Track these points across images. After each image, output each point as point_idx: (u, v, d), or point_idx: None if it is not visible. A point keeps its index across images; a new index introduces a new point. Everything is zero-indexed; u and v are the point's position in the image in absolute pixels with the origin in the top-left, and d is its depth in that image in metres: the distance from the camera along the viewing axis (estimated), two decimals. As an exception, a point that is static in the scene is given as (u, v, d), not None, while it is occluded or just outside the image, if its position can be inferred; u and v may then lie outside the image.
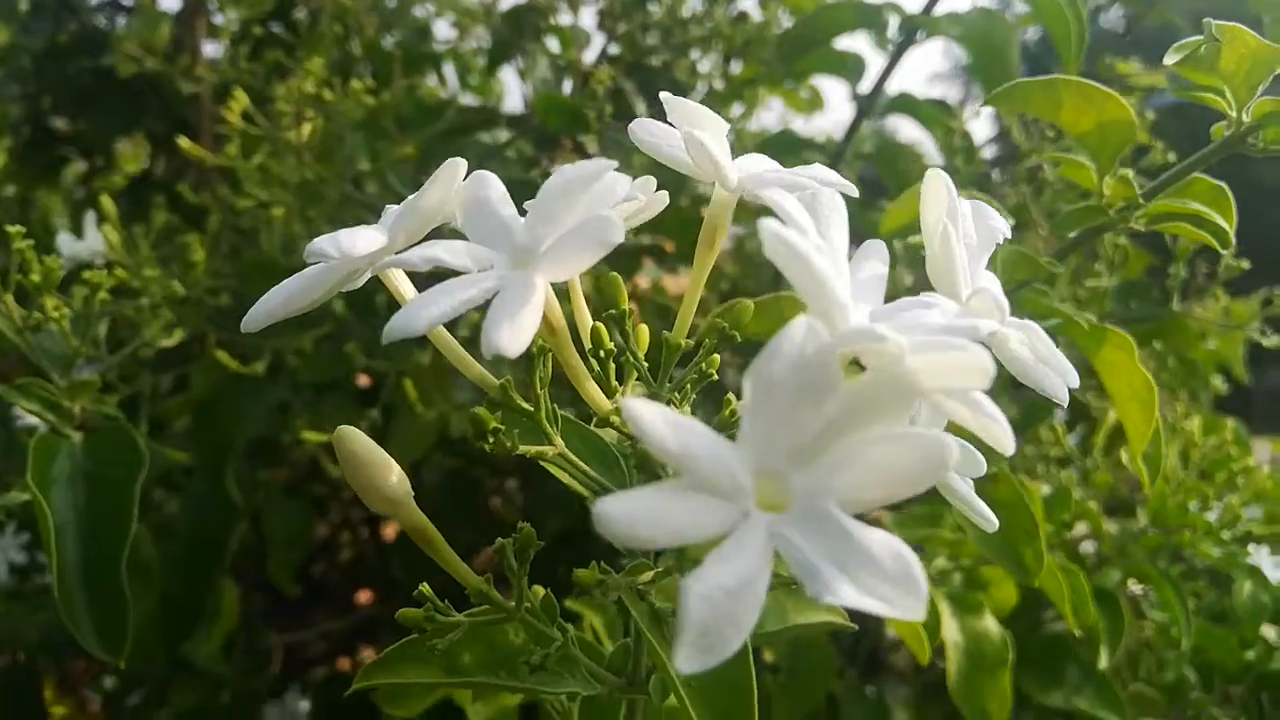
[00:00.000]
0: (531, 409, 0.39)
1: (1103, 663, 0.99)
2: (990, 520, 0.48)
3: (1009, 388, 1.10)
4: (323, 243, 0.36)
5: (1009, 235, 0.43)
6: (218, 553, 1.03)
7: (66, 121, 1.47)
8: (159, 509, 1.07)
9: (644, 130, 0.42)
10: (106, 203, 0.91)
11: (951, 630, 0.96)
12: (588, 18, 1.30)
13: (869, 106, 1.17)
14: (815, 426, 0.30)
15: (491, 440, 0.38)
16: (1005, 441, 0.32)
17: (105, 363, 0.78)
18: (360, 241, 0.36)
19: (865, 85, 1.20)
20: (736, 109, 1.65)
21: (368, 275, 0.40)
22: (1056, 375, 0.39)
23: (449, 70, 1.49)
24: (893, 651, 1.24)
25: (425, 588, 0.43)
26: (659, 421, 0.28)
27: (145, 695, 1.25)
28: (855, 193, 0.43)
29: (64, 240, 1.04)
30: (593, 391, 0.40)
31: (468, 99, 1.58)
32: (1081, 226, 0.64)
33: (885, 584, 0.28)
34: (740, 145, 1.59)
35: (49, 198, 1.51)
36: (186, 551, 1.04)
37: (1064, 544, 1.02)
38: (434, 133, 1.17)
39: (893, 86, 1.18)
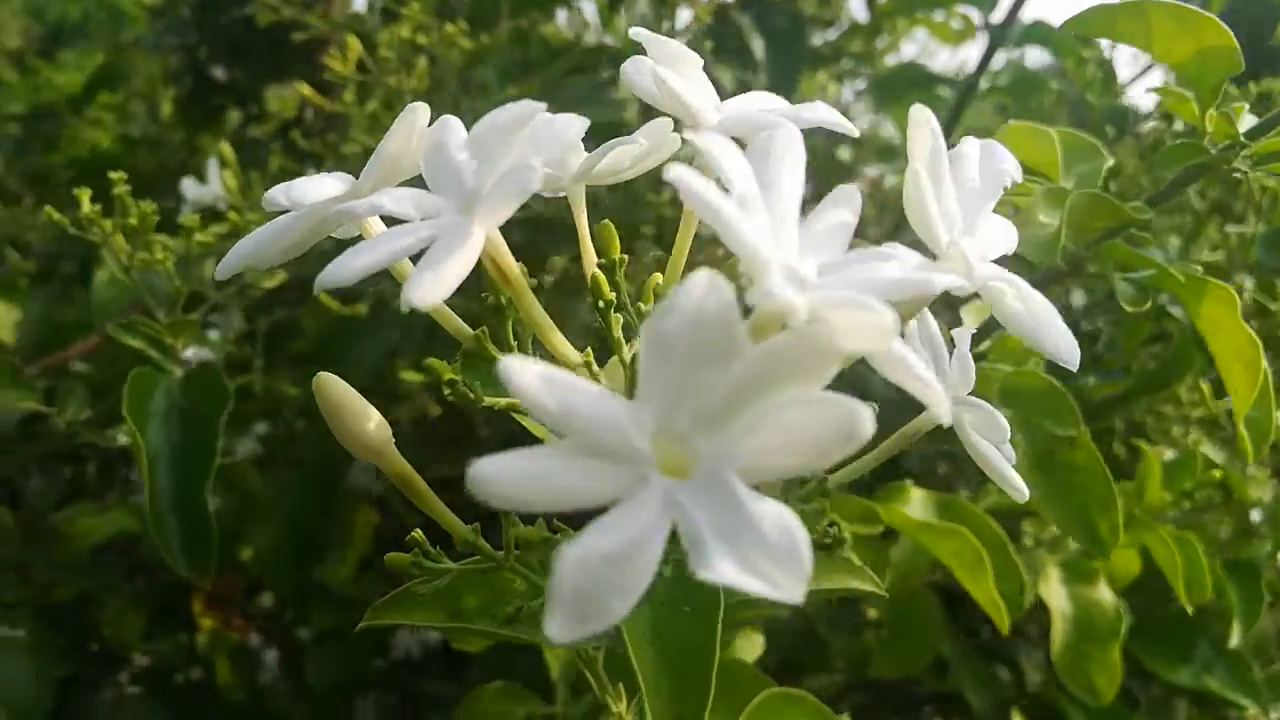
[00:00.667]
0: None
1: (1234, 640, 0.91)
2: (1020, 490, 0.44)
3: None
4: (275, 191, 0.36)
5: (1019, 179, 0.39)
6: (334, 486, 1.08)
7: (223, 70, 1.55)
8: (284, 443, 1.13)
9: (634, 69, 0.40)
10: (225, 149, 0.95)
11: (1059, 598, 0.91)
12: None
13: (1001, 36, 1.09)
14: (722, 388, 0.28)
15: (449, 391, 0.37)
16: (939, 407, 0.29)
17: (210, 300, 0.82)
18: (313, 189, 0.36)
19: (998, 14, 1.11)
20: (881, 42, 1.57)
21: (345, 223, 0.39)
22: (1061, 336, 0.35)
23: (590, 9, 1.48)
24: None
25: (418, 533, 0.44)
26: (534, 380, 0.27)
27: (290, 614, 1.34)
28: (855, 133, 0.40)
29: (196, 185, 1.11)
30: (557, 343, 0.38)
31: (608, 39, 1.57)
32: (1180, 164, 0.57)
33: (768, 561, 0.26)
34: (875, 78, 1.51)
35: (211, 144, 1.61)
36: (308, 483, 1.10)
37: (1194, 511, 0.93)
38: (553, 73, 1.17)
39: (1028, 14, 1.09)
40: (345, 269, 0.32)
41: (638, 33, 0.39)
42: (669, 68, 0.38)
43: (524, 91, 1.03)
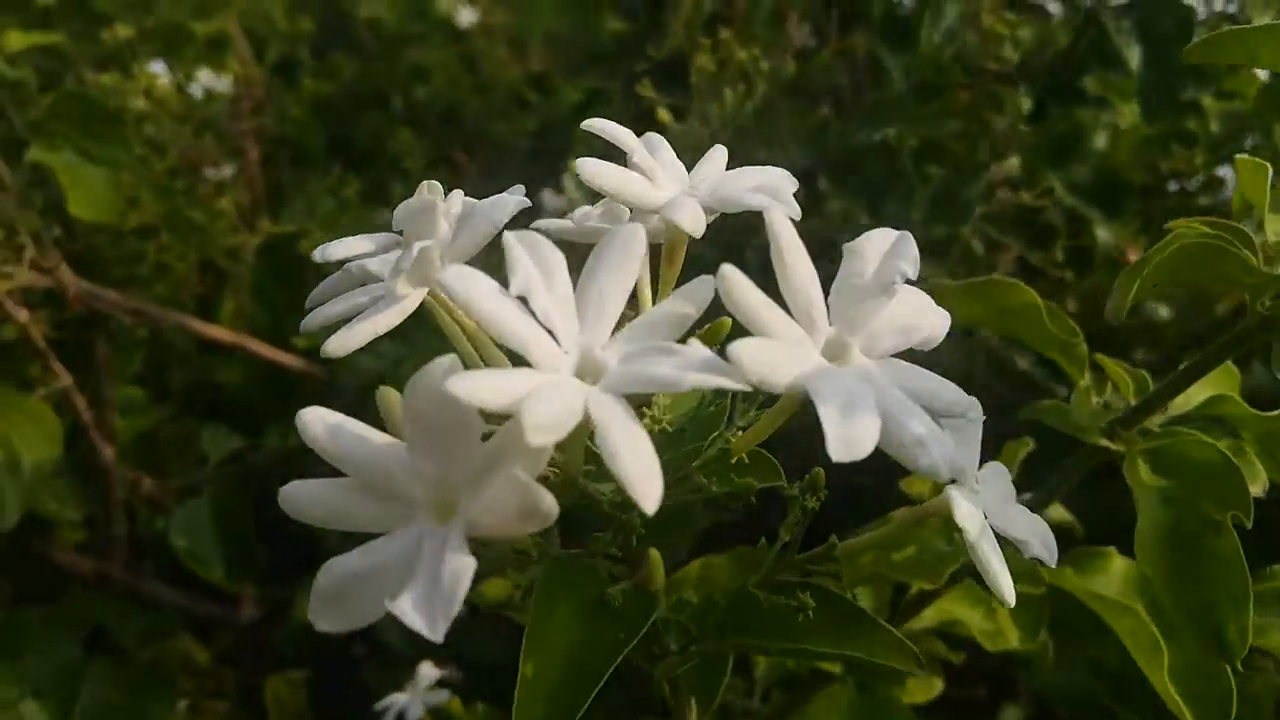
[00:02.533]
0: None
1: None
2: (1007, 599, 0.41)
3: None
4: (316, 251, 0.45)
5: (913, 277, 0.36)
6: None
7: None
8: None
9: (580, 166, 0.42)
10: (574, 165, 1.09)
11: None
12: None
13: None
14: (472, 452, 0.33)
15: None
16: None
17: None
18: (336, 249, 0.45)
19: None
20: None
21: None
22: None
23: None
24: None
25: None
26: (321, 429, 0.33)
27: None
28: (797, 210, 0.40)
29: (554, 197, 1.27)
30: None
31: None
32: None
33: (436, 604, 0.30)
34: None
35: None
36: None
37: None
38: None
39: None
40: (315, 318, 0.41)
41: (591, 124, 0.43)
42: (632, 156, 0.41)
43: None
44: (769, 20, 1.12)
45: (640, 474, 0.30)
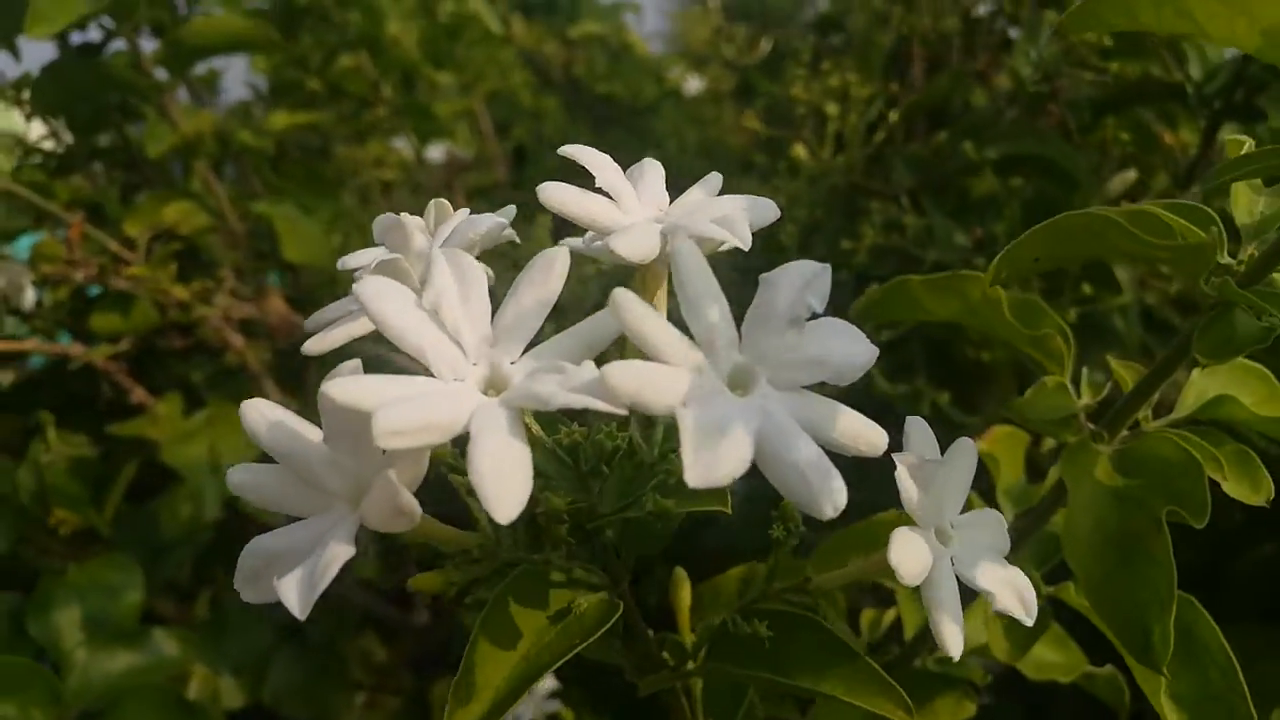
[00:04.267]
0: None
1: None
2: (950, 650, 0.39)
3: None
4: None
5: (819, 312, 0.35)
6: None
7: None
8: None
9: (543, 191, 0.42)
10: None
11: None
12: None
13: None
14: (377, 451, 0.35)
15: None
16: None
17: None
18: (352, 260, 0.48)
19: None
20: None
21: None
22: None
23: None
24: None
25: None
26: (263, 423, 0.37)
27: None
28: (742, 244, 0.40)
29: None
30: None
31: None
32: None
33: (305, 580, 0.32)
34: None
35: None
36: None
37: None
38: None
39: None
40: (313, 324, 0.45)
41: (567, 150, 0.44)
42: (599, 175, 0.42)
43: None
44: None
45: (494, 485, 0.31)
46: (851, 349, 0.36)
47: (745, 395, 0.35)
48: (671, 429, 0.41)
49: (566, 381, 0.33)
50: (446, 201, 0.47)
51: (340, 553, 0.33)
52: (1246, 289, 0.42)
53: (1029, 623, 0.41)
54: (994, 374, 0.90)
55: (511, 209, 0.45)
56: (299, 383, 1.36)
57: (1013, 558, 0.44)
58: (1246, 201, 0.46)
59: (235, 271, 1.14)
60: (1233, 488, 0.49)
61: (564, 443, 0.39)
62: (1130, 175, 0.87)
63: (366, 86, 1.61)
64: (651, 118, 2.06)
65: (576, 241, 0.49)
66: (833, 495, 0.32)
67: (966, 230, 0.86)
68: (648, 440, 0.42)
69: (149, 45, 1.07)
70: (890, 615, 0.67)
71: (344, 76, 1.53)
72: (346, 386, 0.32)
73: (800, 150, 1.01)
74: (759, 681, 0.49)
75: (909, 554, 0.38)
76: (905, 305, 0.55)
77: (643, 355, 0.34)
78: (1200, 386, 0.53)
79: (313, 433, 0.37)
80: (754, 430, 0.32)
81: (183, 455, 1.03)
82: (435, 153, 1.89)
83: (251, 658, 1.22)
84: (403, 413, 0.31)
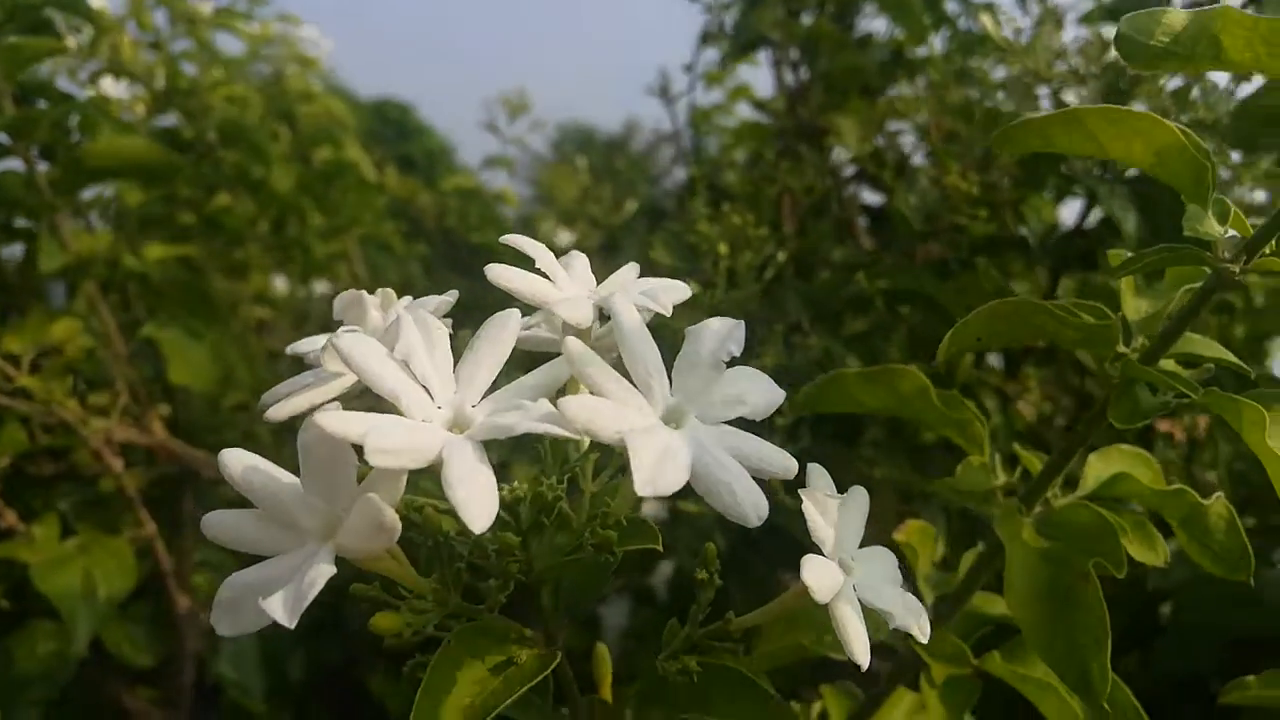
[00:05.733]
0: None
1: None
2: (859, 658, 0.45)
3: None
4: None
5: (737, 355, 0.43)
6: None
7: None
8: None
9: (491, 273, 0.49)
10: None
11: None
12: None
13: None
14: (350, 488, 0.40)
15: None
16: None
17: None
18: (305, 344, 0.54)
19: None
20: None
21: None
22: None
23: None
24: None
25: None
26: (240, 468, 0.41)
27: None
28: (663, 310, 0.47)
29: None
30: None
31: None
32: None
33: (289, 600, 0.37)
34: None
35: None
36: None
37: None
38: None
39: None
40: (270, 397, 0.50)
41: (509, 239, 0.52)
42: (538, 259, 0.50)
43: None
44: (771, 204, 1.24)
45: (471, 498, 0.37)
46: (764, 389, 0.44)
47: (679, 429, 0.42)
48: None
49: (526, 415, 0.40)
50: (391, 290, 0.54)
51: (324, 570, 0.37)
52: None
53: (924, 640, 0.48)
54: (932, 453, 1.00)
55: (454, 292, 0.52)
56: (174, 511, 1.35)
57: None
58: (1132, 302, 0.58)
59: (129, 391, 1.15)
60: (1136, 550, 0.60)
61: (506, 499, 0.45)
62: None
63: (243, 223, 1.66)
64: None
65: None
66: (757, 506, 0.40)
67: (858, 354, 0.97)
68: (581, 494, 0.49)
69: (41, 165, 1.11)
70: (818, 707, 0.73)
71: (220, 213, 1.58)
72: (336, 418, 0.37)
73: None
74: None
75: (821, 574, 0.45)
76: (840, 398, 0.64)
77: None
78: (1097, 468, 0.63)
79: (286, 477, 0.42)
80: (690, 454, 0.40)
81: (56, 582, 1.02)
82: (317, 290, 1.96)
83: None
84: (390, 435, 0.37)
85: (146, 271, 1.36)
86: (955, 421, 0.61)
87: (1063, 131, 0.51)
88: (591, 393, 0.42)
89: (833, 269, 1.27)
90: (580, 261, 0.54)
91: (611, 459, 0.51)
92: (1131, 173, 1.10)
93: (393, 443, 0.37)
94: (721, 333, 0.44)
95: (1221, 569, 0.59)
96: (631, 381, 0.43)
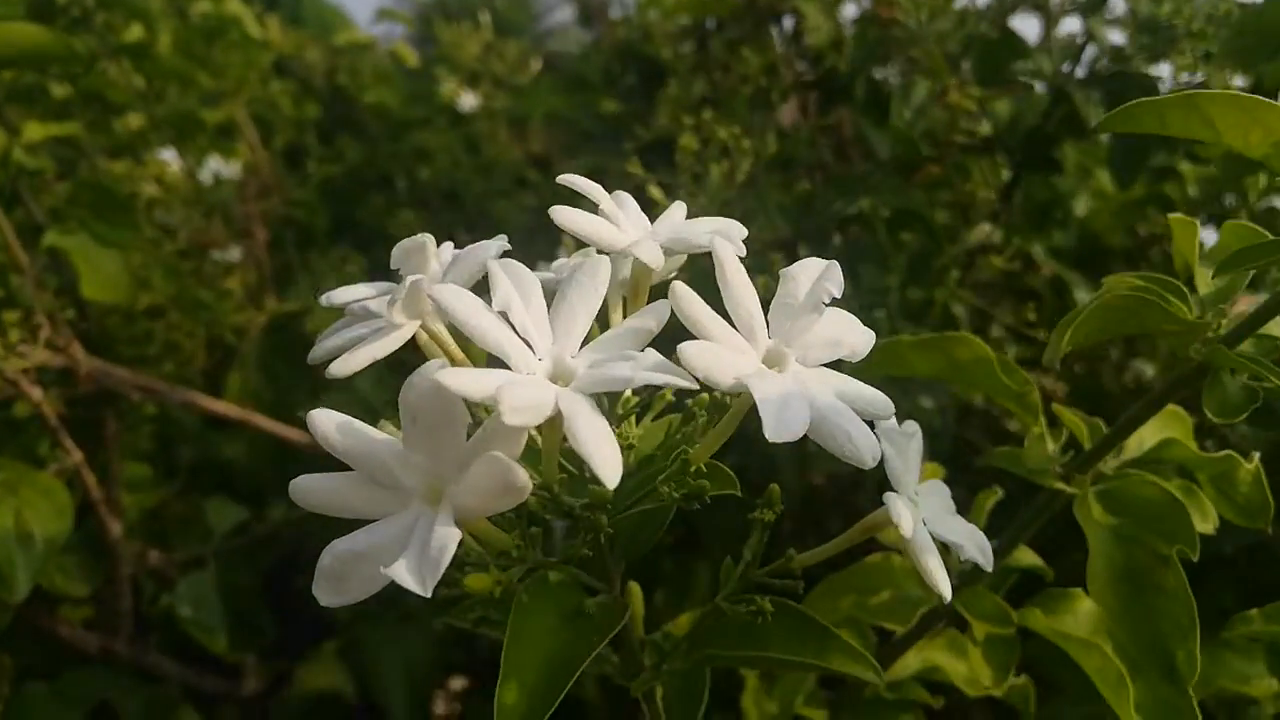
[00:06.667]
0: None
1: None
2: (943, 591, 0.47)
3: None
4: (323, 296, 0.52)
5: (838, 296, 0.44)
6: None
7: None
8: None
9: (557, 215, 0.49)
10: (567, 239, 1.17)
11: None
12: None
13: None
14: (459, 445, 0.39)
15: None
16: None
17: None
18: (340, 295, 0.52)
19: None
20: None
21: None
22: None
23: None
24: None
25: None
26: (332, 428, 0.40)
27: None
28: (743, 248, 0.47)
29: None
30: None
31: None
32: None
33: (424, 568, 0.37)
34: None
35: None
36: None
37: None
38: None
39: None
40: (319, 349, 0.48)
41: (565, 179, 0.51)
42: (600, 204, 0.49)
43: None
44: (751, 101, 1.21)
45: (601, 452, 0.37)
46: (859, 331, 0.45)
47: (781, 372, 0.43)
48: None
49: (638, 365, 0.40)
50: (430, 235, 0.52)
51: (450, 535, 0.37)
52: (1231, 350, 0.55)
53: (988, 568, 0.51)
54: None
55: (503, 237, 0.51)
56: (96, 434, 1.30)
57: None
58: (1204, 279, 0.60)
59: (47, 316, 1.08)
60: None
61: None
62: (986, 228, 1.03)
63: (126, 95, 1.54)
64: (422, 131, 2.10)
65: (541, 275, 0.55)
66: (871, 449, 0.41)
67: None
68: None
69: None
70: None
71: (99, 83, 1.46)
72: (460, 375, 0.36)
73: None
74: (743, 660, 0.56)
75: (904, 511, 0.47)
76: (893, 362, 0.66)
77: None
78: (1141, 432, 0.66)
79: (381, 436, 0.41)
80: (806, 400, 0.40)
81: (-13, 525, 0.96)
82: (221, 169, 1.84)
83: (61, 753, 1.15)
84: (520, 393, 0.36)
85: (41, 168, 1.26)
86: (1014, 391, 0.63)
87: (1180, 115, 0.52)
88: (700, 336, 0.42)
89: (815, 182, 1.25)
90: (631, 201, 0.53)
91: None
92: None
93: (525, 400, 0.37)
94: (816, 272, 0.45)
95: (1243, 518, 0.64)
96: (733, 325, 0.43)
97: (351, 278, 1.44)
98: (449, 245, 0.52)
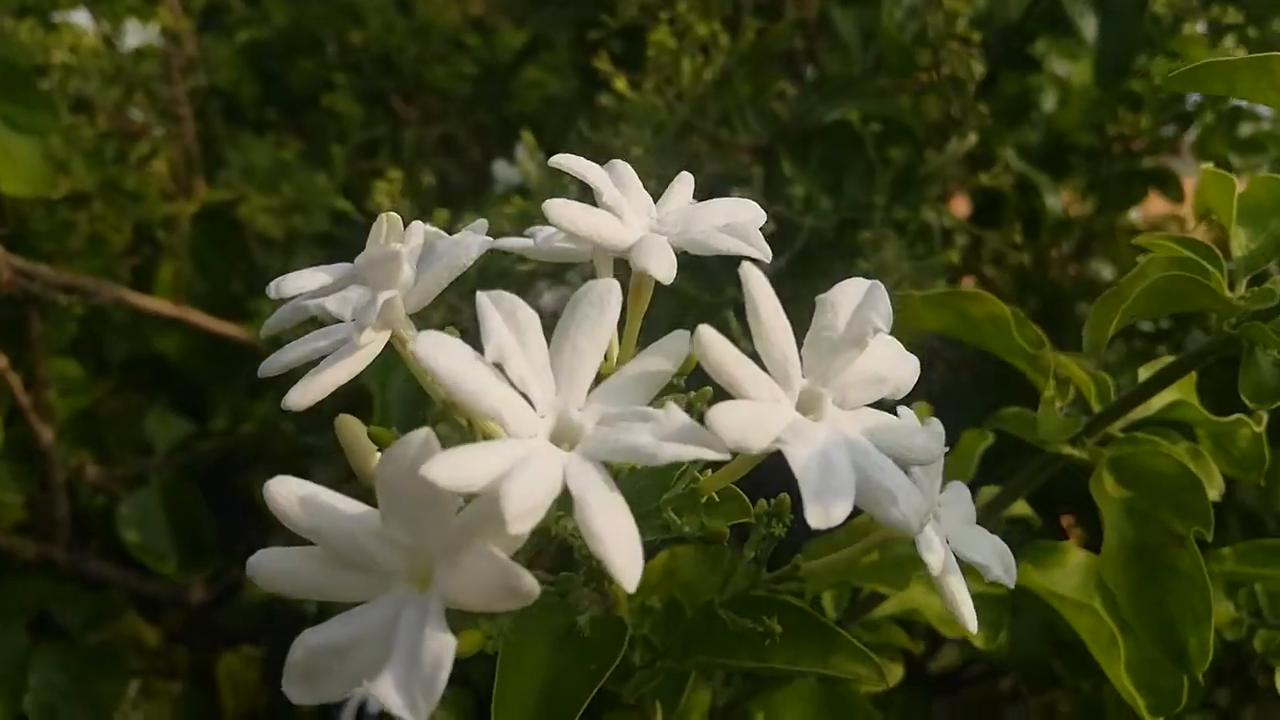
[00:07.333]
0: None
1: None
2: (970, 627, 0.43)
3: None
4: (270, 286, 0.44)
5: (884, 329, 0.37)
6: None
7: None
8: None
9: (550, 209, 0.42)
10: (528, 136, 1.06)
11: None
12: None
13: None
14: (446, 524, 0.33)
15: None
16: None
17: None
18: (290, 284, 0.44)
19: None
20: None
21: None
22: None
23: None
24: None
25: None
26: (292, 501, 0.34)
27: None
28: (768, 251, 0.40)
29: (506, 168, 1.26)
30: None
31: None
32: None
33: (415, 687, 0.31)
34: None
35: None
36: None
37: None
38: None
39: None
40: (273, 363, 0.41)
41: (559, 160, 0.43)
42: (601, 194, 0.42)
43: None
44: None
45: (622, 554, 0.31)
46: (903, 362, 0.39)
47: (817, 419, 0.37)
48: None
49: (661, 431, 0.33)
50: (396, 216, 0.44)
51: (445, 644, 0.31)
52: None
53: (1011, 585, 0.47)
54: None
55: (483, 223, 0.43)
56: (19, 335, 1.20)
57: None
58: (1240, 240, 0.54)
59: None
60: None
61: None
62: (971, 139, 0.95)
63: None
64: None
65: (516, 242, 0.48)
66: (919, 511, 0.36)
67: (831, 196, 0.90)
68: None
69: None
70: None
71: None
72: (449, 468, 0.30)
73: (622, 86, 1.00)
74: (740, 668, 0.53)
75: (930, 544, 0.42)
76: (905, 318, 0.59)
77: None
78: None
79: (351, 507, 0.34)
80: (849, 460, 0.35)
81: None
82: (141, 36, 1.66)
83: (4, 666, 1.10)
84: (524, 490, 0.30)
85: (-67, 41, 1.11)
86: (1027, 352, 0.58)
87: (1250, 78, 0.47)
88: (730, 390, 0.35)
89: (804, 88, 1.15)
90: (629, 175, 0.46)
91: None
92: None
93: (531, 499, 0.30)
94: (859, 298, 0.38)
95: (1236, 470, 0.61)
96: (763, 366, 0.37)
97: (288, 167, 1.32)
98: (417, 225, 0.44)
